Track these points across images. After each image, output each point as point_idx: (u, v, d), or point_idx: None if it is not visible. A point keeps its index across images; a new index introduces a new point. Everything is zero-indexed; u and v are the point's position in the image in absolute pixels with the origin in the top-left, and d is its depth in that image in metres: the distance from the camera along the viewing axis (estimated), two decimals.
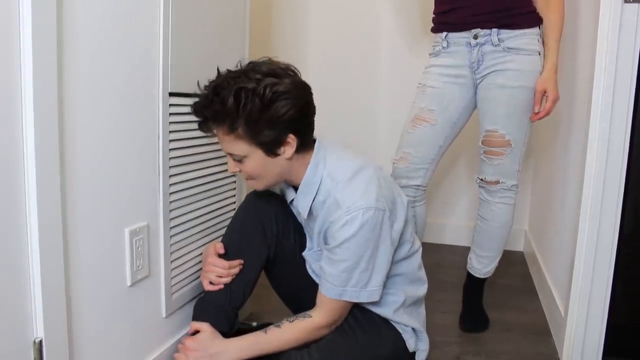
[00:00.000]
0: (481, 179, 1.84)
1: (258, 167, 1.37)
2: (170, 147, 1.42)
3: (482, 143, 1.81)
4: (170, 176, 1.44)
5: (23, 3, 0.94)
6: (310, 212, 1.44)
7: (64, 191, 1.07)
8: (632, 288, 1.64)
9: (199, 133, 1.42)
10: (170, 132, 1.41)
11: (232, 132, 1.30)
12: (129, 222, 1.30)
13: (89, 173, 1.14)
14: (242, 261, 1.51)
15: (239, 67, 1.35)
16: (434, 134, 1.83)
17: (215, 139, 1.42)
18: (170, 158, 1.43)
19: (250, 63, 1.35)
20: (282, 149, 1.34)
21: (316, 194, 1.40)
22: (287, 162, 1.37)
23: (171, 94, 1.41)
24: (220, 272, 1.49)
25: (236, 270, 1.50)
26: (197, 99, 1.35)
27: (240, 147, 1.33)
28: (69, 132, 1.08)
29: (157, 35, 1.35)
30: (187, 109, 1.41)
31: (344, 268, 1.35)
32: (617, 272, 1.62)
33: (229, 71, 1.34)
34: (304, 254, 1.50)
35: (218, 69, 1.39)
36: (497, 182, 1.81)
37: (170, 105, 1.41)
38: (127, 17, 1.23)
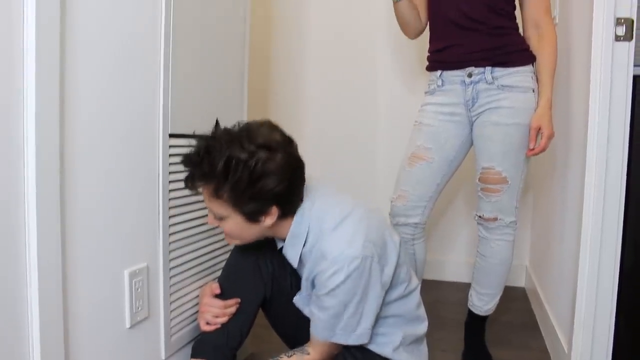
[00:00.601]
0: (479, 216, 1.85)
1: (237, 229, 1.38)
2: (170, 188, 1.43)
3: (479, 180, 1.82)
4: (170, 217, 1.44)
5: (27, 50, 0.96)
6: (299, 260, 1.44)
7: (64, 232, 1.07)
8: (635, 322, 1.63)
9: None
10: (170, 172, 1.42)
11: (215, 195, 1.31)
12: (129, 263, 1.29)
13: (88, 214, 1.15)
14: (238, 300, 1.50)
15: (237, 126, 1.35)
16: (431, 171, 1.84)
17: None
18: (170, 199, 1.43)
19: (248, 126, 1.34)
20: (263, 218, 1.35)
21: (304, 244, 1.40)
22: (267, 227, 1.38)
23: (171, 135, 1.42)
24: (216, 312, 1.49)
25: (233, 309, 1.50)
26: (189, 151, 1.34)
27: (222, 209, 1.34)
28: (69, 172, 1.08)
29: (158, 77, 1.37)
30: (187, 150, 1.42)
31: (332, 314, 1.35)
32: (619, 307, 1.61)
33: (225, 130, 1.33)
34: (294, 300, 1.49)
35: (217, 122, 1.41)
36: (496, 219, 1.81)
37: (170, 146, 1.42)
38: (128, 59, 1.25)
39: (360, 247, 1.31)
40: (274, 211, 1.34)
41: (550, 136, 1.73)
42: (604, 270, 1.59)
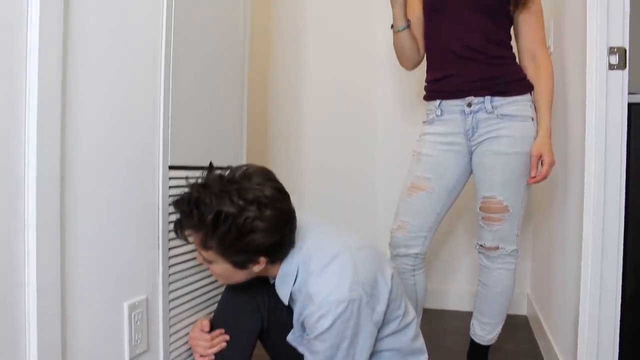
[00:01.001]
0: (480, 245, 1.85)
1: (225, 273, 1.40)
2: (170, 220, 1.43)
3: (479, 209, 1.82)
4: (169, 249, 1.44)
5: (30, 89, 0.97)
6: (290, 297, 1.43)
7: (63, 263, 1.07)
8: (638, 350, 1.61)
9: None
10: (169, 204, 1.43)
11: (204, 245, 1.33)
12: (128, 295, 1.29)
13: (88, 245, 1.15)
14: (222, 330, 1.50)
15: (231, 172, 1.36)
16: (431, 201, 1.84)
17: None
18: (170, 230, 1.43)
19: (240, 174, 1.35)
20: (251, 265, 1.37)
21: (294, 282, 1.40)
22: (256, 272, 1.40)
23: (171, 167, 1.43)
24: (204, 345, 1.49)
25: (220, 339, 1.50)
26: (180, 196, 1.35)
27: (210, 255, 1.35)
28: (69, 203, 1.09)
29: (158, 109, 1.38)
30: (186, 181, 1.43)
31: (323, 357, 1.33)
32: (622, 335, 1.59)
33: (218, 177, 1.34)
34: (287, 339, 1.47)
35: (210, 165, 1.42)
36: (497, 248, 1.81)
37: (170, 178, 1.43)
38: (129, 92, 1.27)
39: (346, 290, 1.30)
40: (262, 260, 1.36)
41: (552, 164, 1.74)
42: (606, 298, 1.58)
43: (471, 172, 1.86)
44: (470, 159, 1.84)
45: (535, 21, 1.83)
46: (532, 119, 1.78)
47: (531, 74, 1.82)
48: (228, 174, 1.35)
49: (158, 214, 1.39)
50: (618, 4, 1.52)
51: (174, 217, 1.44)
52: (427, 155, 1.85)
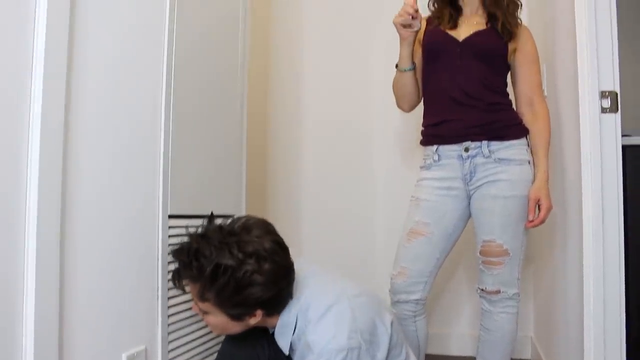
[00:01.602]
0: (482, 289, 1.83)
1: (221, 324, 1.39)
2: (169, 269, 1.43)
3: (479, 253, 1.82)
4: (169, 298, 1.43)
5: (32, 145, 0.99)
6: (290, 347, 1.42)
7: (62, 313, 1.07)
8: None
9: None
10: (169, 254, 1.43)
11: (201, 297, 1.33)
12: (127, 346, 1.28)
13: (86, 295, 1.15)
14: None
15: (231, 223, 1.36)
16: (430, 247, 1.83)
17: None
18: (169, 280, 1.43)
19: (240, 226, 1.35)
20: (247, 318, 1.37)
21: (294, 331, 1.39)
22: (252, 325, 1.39)
23: (171, 216, 1.44)
24: None
25: None
26: (180, 245, 1.36)
27: (206, 306, 1.35)
28: (69, 252, 1.09)
29: (158, 159, 1.40)
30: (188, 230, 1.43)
31: None
32: None
33: (218, 228, 1.35)
34: None
35: (211, 215, 1.43)
36: (498, 292, 1.80)
37: (170, 227, 1.43)
38: (129, 141, 1.28)
39: (345, 339, 1.29)
40: (259, 313, 1.36)
41: (549, 208, 1.75)
42: (610, 341, 1.56)
43: (470, 216, 1.86)
44: (469, 203, 1.84)
45: (532, 68, 1.87)
46: (529, 163, 1.80)
47: (528, 119, 1.85)
48: (228, 225, 1.35)
49: (157, 264, 1.39)
50: (607, 48, 1.56)
51: (173, 267, 1.44)
52: (425, 200, 1.86)
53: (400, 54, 1.89)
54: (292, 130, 3.04)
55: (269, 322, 1.41)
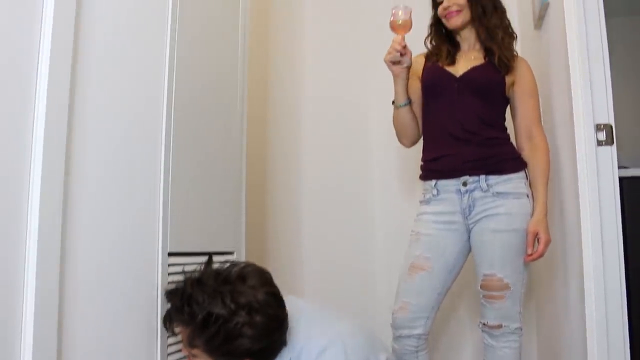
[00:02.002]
0: (484, 324, 1.82)
1: None
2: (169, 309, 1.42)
3: (480, 287, 1.81)
4: (168, 337, 1.42)
5: (34, 164, 1.00)
6: None
7: (60, 351, 1.05)
8: None
9: None
10: (169, 283, 1.42)
11: (190, 343, 1.33)
12: None
13: (85, 334, 1.13)
14: None
15: (228, 268, 1.37)
16: (431, 281, 1.83)
17: None
18: None
19: (236, 274, 1.36)
20: None
21: None
22: None
23: (170, 254, 1.43)
24: None
25: None
26: (174, 287, 1.37)
27: (196, 352, 1.35)
28: (68, 293, 1.08)
29: (157, 196, 1.40)
30: (186, 268, 1.43)
31: None
32: None
33: (214, 273, 1.36)
34: None
35: (209, 259, 1.43)
36: (500, 326, 1.78)
37: (170, 265, 1.43)
38: (129, 179, 1.29)
39: None
40: None
41: (548, 242, 1.75)
42: None
43: (470, 250, 1.86)
44: (469, 237, 1.85)
45: (530, 101, 1.89)
46: (528, 196, 1.81)
47: (527, 152, 1.87)
48: (224, 271, 1.36)
49: (157, 303, 1.38)
50: (600, 82, 1.57)
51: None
52: (425, 235, 1.86)
53: (394, 90, 1.92)
54: (290, 170, 3.05)
55: None
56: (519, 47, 2.07)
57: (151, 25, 1.41)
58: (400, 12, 1.80)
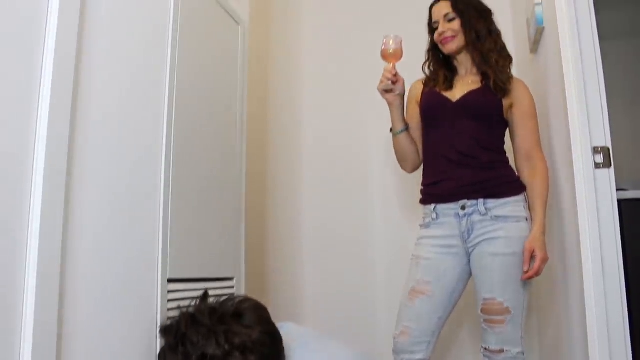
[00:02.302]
0: (485, 349, 1.80)
1: None
2: None
3: (481, 311, 1.80)
4: None
5: (35, 192, 1.00)
6: None
7: None
8: None
9: None
10: (168, 318, 1.42)
11: None
12: None
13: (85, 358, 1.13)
14: None
15: (225, 301, 1.37)
16: (432, 305, 1.82)
17: None
18: None
19: (232, 311, 1.35)
20: None
21: None
22: None
23: (170, 280, 1.43)
24: None
25: None
26: (169, 323, 1.36)
27: None
28: (68, 320, 1.08)
29: (157, 223, 1.40)
30: (186, 294, 1.43)
31: None
32: None
33: (210, 309, 1.35)
34: None
35: (205, 294, 1.43)
36: (502, 351, 1.76)
37: (169, 291, 1.43)
38: (129, 205, 1.29)
39: None
40: None
41: (544, 260, 1.74)
42: None
43: (470, 274, 1.86)
44: (469, 260, 1.84)
45: (528, 124, 1.90)
46: (526, 219, 1.80)
47: (526, 175, 1.87)
48: (220, 308, 1.35)
49: (156, 330, 1.37)
50: (596, 104, 1.59)
51: None
52: (426, 259, 1.86)
53: (391, 118, 1.95)
54: (290, 197, 3.05)
55: None
56: (515, 71, 2.09)
57: (152, 29, 1.43)
58: (391, 42, 1.85)
